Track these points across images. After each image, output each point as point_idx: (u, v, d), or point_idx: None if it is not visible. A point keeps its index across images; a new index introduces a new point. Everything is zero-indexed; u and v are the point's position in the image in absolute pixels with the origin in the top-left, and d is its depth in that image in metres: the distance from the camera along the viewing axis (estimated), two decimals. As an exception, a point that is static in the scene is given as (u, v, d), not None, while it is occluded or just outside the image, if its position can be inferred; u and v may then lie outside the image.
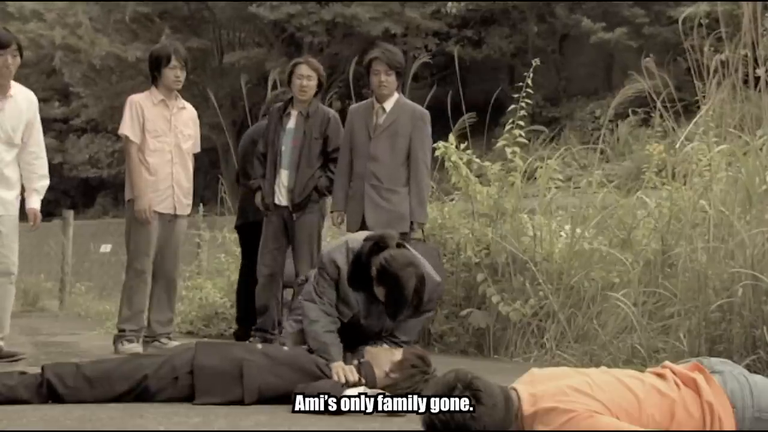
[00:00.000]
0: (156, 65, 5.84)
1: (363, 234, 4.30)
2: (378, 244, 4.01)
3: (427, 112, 5.78)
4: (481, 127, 6.85)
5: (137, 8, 20.01)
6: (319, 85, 5.92)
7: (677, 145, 5.49)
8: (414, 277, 3.93)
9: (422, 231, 5.83)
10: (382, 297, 4.00)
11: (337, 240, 4.55)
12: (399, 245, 4.06)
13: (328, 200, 6.08)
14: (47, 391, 3.70)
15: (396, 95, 5.72)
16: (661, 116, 5.53)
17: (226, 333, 7.34)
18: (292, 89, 5.93)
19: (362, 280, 4.05)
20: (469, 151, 6.49)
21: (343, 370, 3.83)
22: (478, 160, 6.50)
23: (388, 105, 5.69)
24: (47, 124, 24.11)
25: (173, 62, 5.81)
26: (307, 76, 5.86)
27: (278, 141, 5.90)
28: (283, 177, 5.88)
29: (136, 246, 5.78)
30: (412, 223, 5.65)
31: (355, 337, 4.15)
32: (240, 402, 3.74)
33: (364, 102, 5.89)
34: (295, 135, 5.87)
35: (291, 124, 5.91)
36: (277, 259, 5.95)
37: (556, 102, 18.82)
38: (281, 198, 5.89)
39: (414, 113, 5.69)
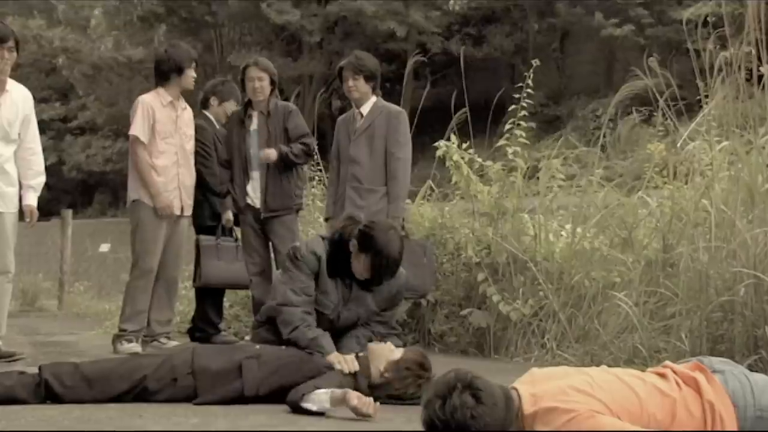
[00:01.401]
0: (178, 66, 5.83)
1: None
2: (349, 225, 4.11)
3: (402, 110, 5.86)
4: (482, 126, 6.83)
5: (151, 8, 20.01)
6: (272, 83, 5.91)
7: (679, 144, 5.46)
8: (398, 239, 3.98)
9: (403, 226, 5.80)
10: (365, 267, 4.00)
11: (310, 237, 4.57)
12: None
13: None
14: (45, 391, 3.68)
15: (373, 99, 5.79)
16: (663, 115, 5.51)
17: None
18: (247, 92, 5.95)
19: (341, 263, 4.05)
20: (471, 151, 6.47)
21: (343, 360, 3.82)
22: (479, 159, 6.48)
23: (365, 109, 5.77)
24: (46, 123, 24.12)
25: (194, 64, 5.88)
26: (258, 77, 5.87)
27: (244, 144, 5.93)
28: (256, 178, 5.90)
29: (143, 245, 5.77)
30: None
31: (332, 334, 4.13)
32: (240, 396, 3.72)
33: (349, 111, 5.96)
34: (260, 135, 5.90)
35: (254, 125, 5.94)
36: (263, 255, 5.95)
37: (558, 100, 18.81)
38: (255, 200, 5.91)
39: (389, 113, 5.76)
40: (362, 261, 4.02)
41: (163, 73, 5.87)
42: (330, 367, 3.81)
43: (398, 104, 6.18)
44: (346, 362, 3.82)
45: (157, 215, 5.73)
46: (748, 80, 5.05)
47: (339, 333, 4.21)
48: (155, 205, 5.72)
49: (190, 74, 5.87)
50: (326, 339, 3.99)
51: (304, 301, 4.07)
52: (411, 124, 6.04)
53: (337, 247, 4.10)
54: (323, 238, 4.24)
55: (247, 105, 6.00)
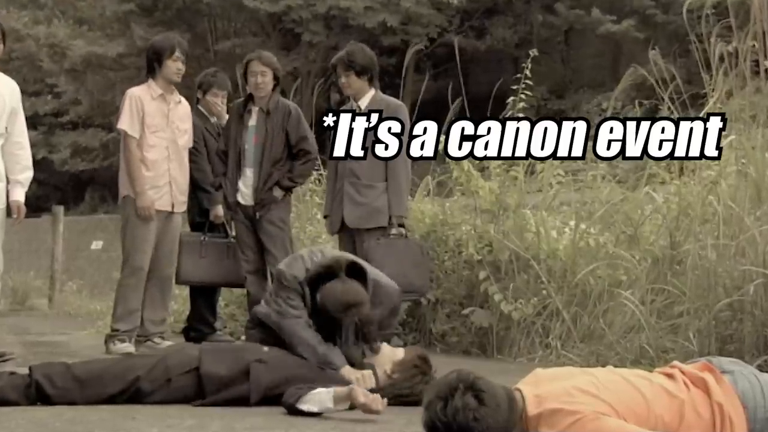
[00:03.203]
0: (157, 57, 5.74)
1: (319, 247, 4.29)
2: (326, 273, 3.91)
3: (402, 104, 5.77)
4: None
5: (118, 8, 19.97)
6: (276, 78, 5.83)
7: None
8: (354, 318, 3.81)
9: (403, 225, 5.72)
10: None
11: (294, 254, 4.39)
12: (351, 269, 3.94)
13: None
14: (36, 392, 3.62)
15: (371, 92, 5.68)
16: (669, 108, 5.43)
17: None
18: (249, 87, 5.88)
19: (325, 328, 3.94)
20: (471, 145, 6.38)
21: (361, 377, 3.73)
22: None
23: (363, 102, 5.66)
24: (37, 118, 23.99)
25: (177, 54, 5.74)
26: (261, 72, 5.79)
27: (240, 139, 5.86)
28: (248, 175, 5.84)
29: (134, 243, 5.69)
30: (391, 217, 5.59)
31: None
32: (246, 399, 3.66)
33: (347, 104, 5.87)
34: (258, 132, 5.83)
35: (252, 121, 5.87)
36: (257, 254, 5.88)
37: (562, 94, 18.71)
38: (246, 197, 5.84)
39: (388, 107, 5.64)
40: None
41: (149, 63, 5.80)
42: (344, 382, 3.70)
43: (398, 97, 6.11)
44: (363, 378, 3.72)
45: (137, 214, 5.63)
46: (755, 74, 4.98)
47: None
48: (136, 203, 5.62)
49: (172, 65, 5.72)
50: (336, 354, 3.90)
51: (304, 313, 3.97)
52: (411, 117, 5.96)
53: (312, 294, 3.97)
54: (305, 266, 4.02)
55: (248, 99, 5.91)
